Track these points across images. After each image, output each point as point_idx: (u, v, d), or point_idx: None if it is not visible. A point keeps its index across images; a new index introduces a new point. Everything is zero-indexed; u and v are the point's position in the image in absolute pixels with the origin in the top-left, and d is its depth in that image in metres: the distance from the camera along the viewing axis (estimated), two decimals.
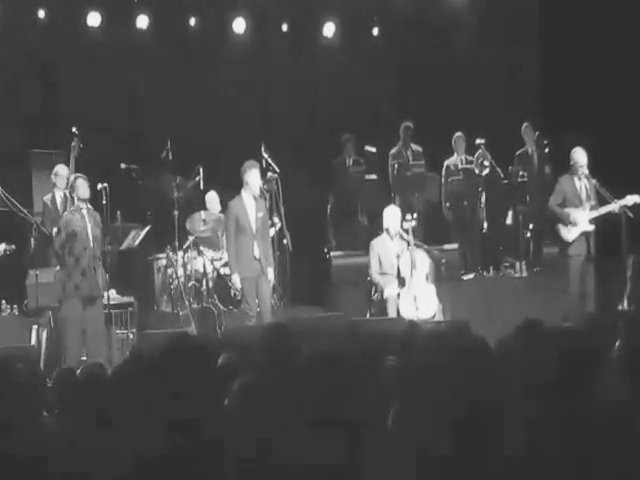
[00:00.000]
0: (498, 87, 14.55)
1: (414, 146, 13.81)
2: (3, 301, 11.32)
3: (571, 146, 11.46)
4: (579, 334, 5.59)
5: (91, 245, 10.11)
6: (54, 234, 10.50)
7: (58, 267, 10.67)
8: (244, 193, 10.72)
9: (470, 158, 13.64)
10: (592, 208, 11.33)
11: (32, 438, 4.71)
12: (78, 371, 5.49)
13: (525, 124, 13.46)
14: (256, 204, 10.73)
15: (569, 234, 11.35)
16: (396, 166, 13.58)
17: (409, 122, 13.73)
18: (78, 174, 10.36)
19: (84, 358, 9.87)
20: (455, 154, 13.74)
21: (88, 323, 10.08)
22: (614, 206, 11.22)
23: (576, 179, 11.37)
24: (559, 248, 11.76)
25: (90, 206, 10.25)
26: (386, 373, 5.45)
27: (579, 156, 11.31)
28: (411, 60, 14.91)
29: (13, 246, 10.29)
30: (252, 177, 10.69)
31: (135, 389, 4.84)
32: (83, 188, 10.14)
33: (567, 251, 11.45)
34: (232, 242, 10.67)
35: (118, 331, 10.89)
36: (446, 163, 13.74)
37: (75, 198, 10.23)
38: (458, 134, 13.67)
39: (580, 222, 11.30)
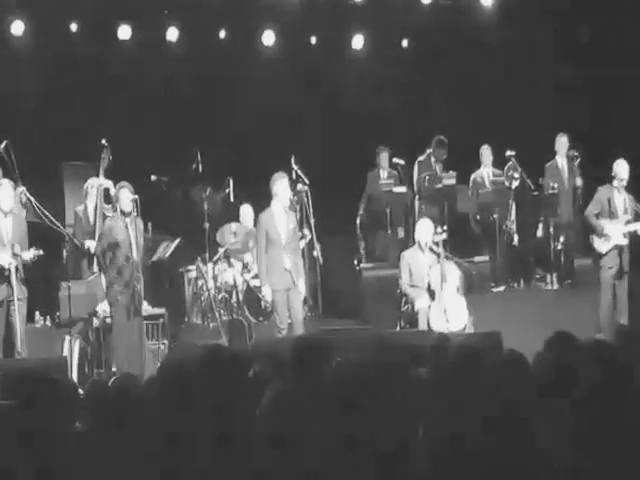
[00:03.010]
0: (530, 98, 14.51)
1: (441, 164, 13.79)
2: (36, 312, 11.38)
3: (608, 158, 11.44)
4: (611, 348, 5.55)
5: (134, 256, 10.05)
6: (96, 239, 10.52)
7: (93, 276, 10.73)
8: (274, 205, 10.70)
9: (497, 171, 13.60)
10: (627, 222, 11.27)
11: (64, 448, 4.71)
12: (110, 382, 5.48)
13: (559, 135, 13.38)
14: (286, 216, 10.72)
15: (602, 246, 11.30)
16: (427, 178, 13.54)
17: (442, 136, 13.67)
18: (123, 184, 10.26)
19: (114, 369, 9.89)
20: (482, 166, 13.69)
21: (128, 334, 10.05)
22: None
23: (616, 191, 11.32)
24: (592, 259, 11.68)
25: (134, 212, 10.15)
26: (416, 385, 5.44)
27: (621, 169, 11.27)
28: (441, 71, 14.90)
29: (41, 251, 10.29)
30: (281, 188, 10.67)
31: (167, 400, 4.85)
32: (126, 201, 10.07)
33: (599, 263, 11.39)
34: (262, 254, 10.65)
35: (149, 342, 10.91)
36: (473, 176, 13.69)
37: (118, 208, 10.20)
38: (485, 146, 13.63)
39: (614, 235, 11.24)
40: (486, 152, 13.63)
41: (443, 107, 14.71)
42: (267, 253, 10.59)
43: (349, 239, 13.88)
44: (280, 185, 10.66)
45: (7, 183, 10.47)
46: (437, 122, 14.26)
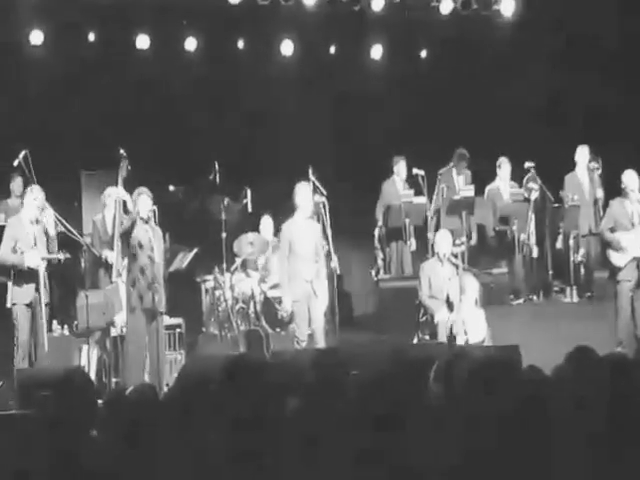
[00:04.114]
0: (548, 109, 14.47)
1: (466, 172, 13.74)
2: (54, 321, 11.39)
3: (622, 169, 11.39)
4: (630, 362, 5.51)
5: (155, 257, 10.02)
6: (114, 247, 10.53)
7: (111, 285, 10.73)
8: (297, 215, 10.69)
9: (513, 183, 13.54)
10: None
11: (81, 457, 4.70)
12: (127, 391, 5.45)
13: (579, 146, 13.33)
14: (309, 225, 10.70)
15: (620, 259, 11.23)
16: (445, 189, 13.50)
17: (463, 149, 13.64)
18: (142, 190, 10.22)
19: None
20: (497, 179, 13.64)
21: (147, 339, 9.99)
22: None
23: (627, 202, 11.27)
24: (609, 273, 11.62)
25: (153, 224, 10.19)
26: (432, 397, 5.41)
27: (629, 179, 11.23)
28: (459, 82, 14.87)
29: (68, 255, 10.39)
30: (303, 198, 10.66)
31: (187, 410, 4.83)
32: (144, 206, 10.04)
33: (617, 276, 11.32)
34: (284, 265, 10.63)
35: (167, 352, 10.89)
36: (488, 188, 13.64)
37: (137, 212, 10.15)
38: (502, 158, 13.58)
39: (631, 247, 11.18)
40: (504, 164, 13.57)
41: (461, 117, 14.66)
42: (289, 263, 10.56)
43: (367, 250, 13.85)
44: (302, 195, 10.65)
45: (37, 190, 10.45)
46: (454, 132, 14.22)
